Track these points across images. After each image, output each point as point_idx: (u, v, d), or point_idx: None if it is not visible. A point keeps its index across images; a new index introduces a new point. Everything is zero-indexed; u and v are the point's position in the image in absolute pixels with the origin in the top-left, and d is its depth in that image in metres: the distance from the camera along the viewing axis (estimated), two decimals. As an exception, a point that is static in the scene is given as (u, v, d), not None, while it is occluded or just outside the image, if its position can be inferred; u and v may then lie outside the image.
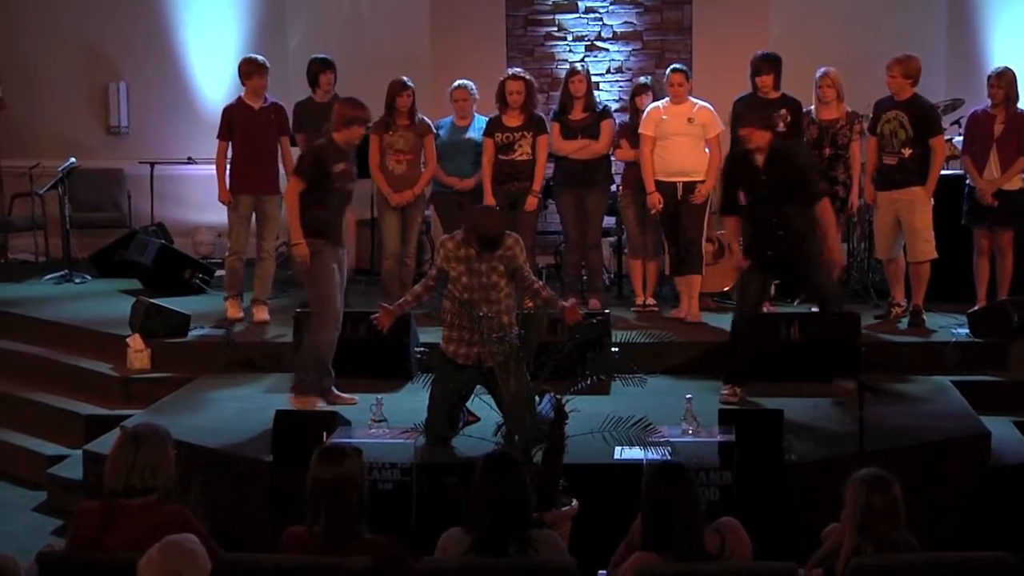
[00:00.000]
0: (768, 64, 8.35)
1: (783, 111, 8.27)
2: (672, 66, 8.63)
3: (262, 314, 8.60)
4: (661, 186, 8.39)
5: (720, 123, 8.43)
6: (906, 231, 8.17)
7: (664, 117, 8.38)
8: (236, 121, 8.63)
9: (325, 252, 6.89)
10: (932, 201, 8.15)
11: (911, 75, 8.07)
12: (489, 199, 8.39)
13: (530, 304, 6.14)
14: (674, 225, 8.45)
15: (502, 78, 8.68)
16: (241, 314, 8.66)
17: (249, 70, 8.63)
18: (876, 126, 8.20)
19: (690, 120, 8.35)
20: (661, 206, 8.39)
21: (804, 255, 7.12)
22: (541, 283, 6.31)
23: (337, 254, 7.04)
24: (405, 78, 8.65)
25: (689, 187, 8.37)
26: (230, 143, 8.67)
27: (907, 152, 8.06)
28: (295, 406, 6.74)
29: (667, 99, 8.48)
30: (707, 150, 8.39)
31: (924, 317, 8.20)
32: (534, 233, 8.84)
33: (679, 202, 8.39)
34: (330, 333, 6.91)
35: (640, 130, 8.48)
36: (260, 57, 8.79)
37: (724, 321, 8.21)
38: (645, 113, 8.51)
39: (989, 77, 8.30)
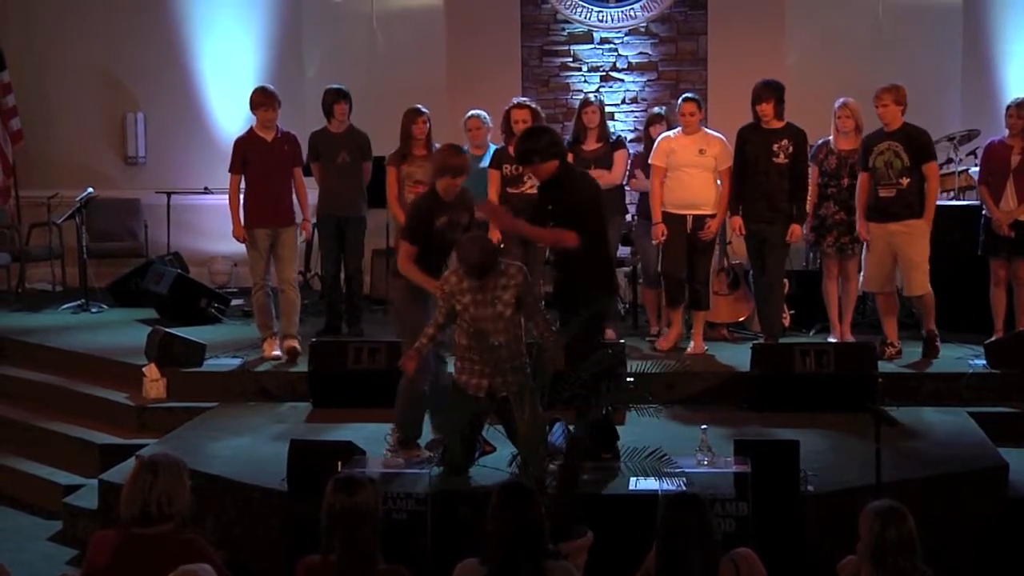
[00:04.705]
0: (768, 91, 8.10)
1: (784, 141, 8.10)
2: (684, 95, 8.51)
3: (292, 345, 8.38)
4: (671, 218, 8.30)
5: (732, 156, 8.30)
6: (904, 265, 8.03)
7: (675, 148, 8.29)
8: (250, 155, 8.40)
9: (419, 300, 6.59)
10: (930, 228, 7.97)
11: (902, 102, 7.92)
12: (495, 233, 7.87)
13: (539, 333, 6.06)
14: (687, 256, 8.35)
15: (507, 107, 8.50)
16: (277, 352, 8.39)
17: (261, 100, 8.41)
18: (868, 160, 8.00)
19: (701, 151, 8.24)
20: (664, 238, 8.31)
21: None
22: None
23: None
24: (419, 105, 8.58)
25: (699, 221, 8.30)
26: (243, 176, 8.44)
27: (905, 181, 7.91)
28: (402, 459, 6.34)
29: (679, 129, 8.41)
30: (719, 182, 8.32)
31: (939, 344, 8.09)
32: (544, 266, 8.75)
33: (690, 236, 8.31)
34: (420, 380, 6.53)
35: (650, 160, 8.42)
36: (271, 87, 8.65)
37: (738, 352, 8.20)
38: (656, 143, 8.43)
39: (1008, 107, 8.26)
